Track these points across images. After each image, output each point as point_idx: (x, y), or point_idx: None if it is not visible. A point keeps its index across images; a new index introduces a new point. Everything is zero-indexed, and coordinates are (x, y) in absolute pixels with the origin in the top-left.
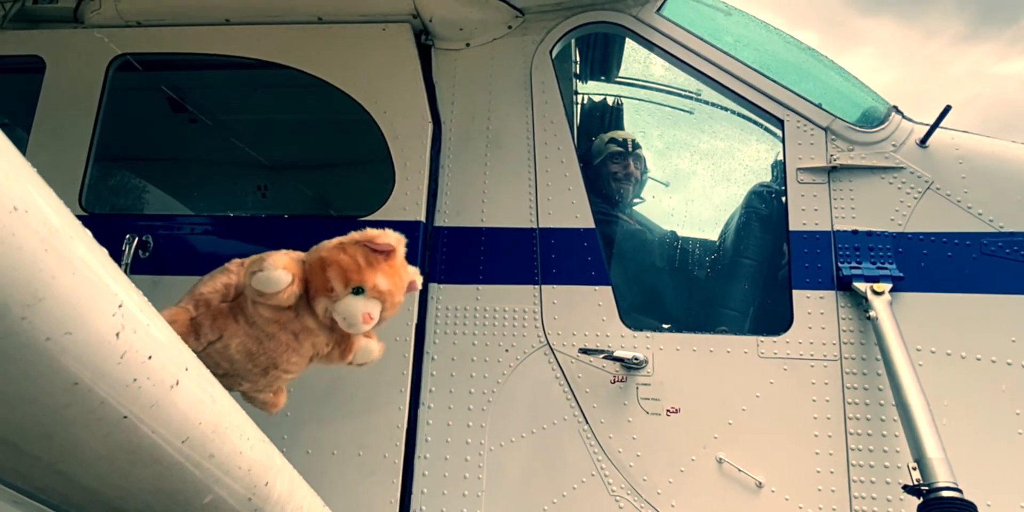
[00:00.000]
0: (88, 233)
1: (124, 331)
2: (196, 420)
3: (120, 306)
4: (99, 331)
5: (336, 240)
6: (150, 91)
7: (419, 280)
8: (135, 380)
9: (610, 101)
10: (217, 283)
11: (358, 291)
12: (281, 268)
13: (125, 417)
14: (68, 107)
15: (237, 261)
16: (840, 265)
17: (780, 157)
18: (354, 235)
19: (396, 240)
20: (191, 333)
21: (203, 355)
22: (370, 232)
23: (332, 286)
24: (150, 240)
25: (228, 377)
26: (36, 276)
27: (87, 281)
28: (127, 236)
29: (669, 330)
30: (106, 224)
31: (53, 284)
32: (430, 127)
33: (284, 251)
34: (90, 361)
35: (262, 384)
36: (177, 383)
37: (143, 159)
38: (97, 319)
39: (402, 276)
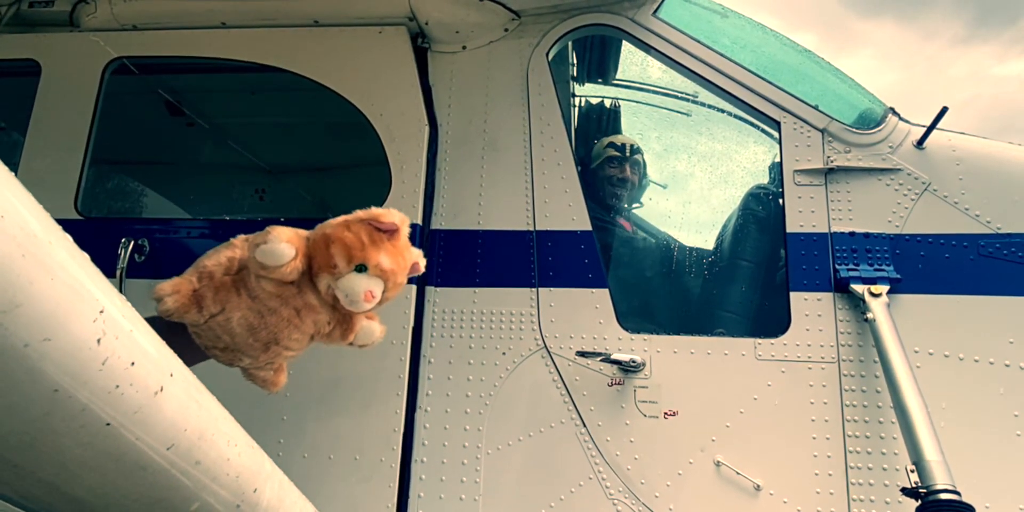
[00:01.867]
0: (69, 238)
1: (105, 337)
2: (182, 426)
3: (101, 312)
4: (79, 337)
5: (341, 218)
6: (146, 95)
7: (422, 262)
8: (117, 386)
9: (607, 103)
10: (221, 256)
11: (361, 269)
12: (285, 241)
13: (108, 424)
14: (64, 111)
15: (242, 236)
16: (837, 267)
17: (777, 159)
18: (359, 213)
19: (400, 219)
20: (194, 305)
21: (205, 327)
22: (375, 210)
23: (335, 263)
24: (146, 244)
25: (229, 351)
26: (13, 282)
27: (67, 286)
28: (123, 240)
29: (666, 333)
30: (102, 228)
31: (31, 290)
32: (427, 130)
33: (289, 227)
34: (70, 367)
35: (263, 360)
36: (162, 389)
37: (140, 163)
38: (77, 325)
39: (405, 256)
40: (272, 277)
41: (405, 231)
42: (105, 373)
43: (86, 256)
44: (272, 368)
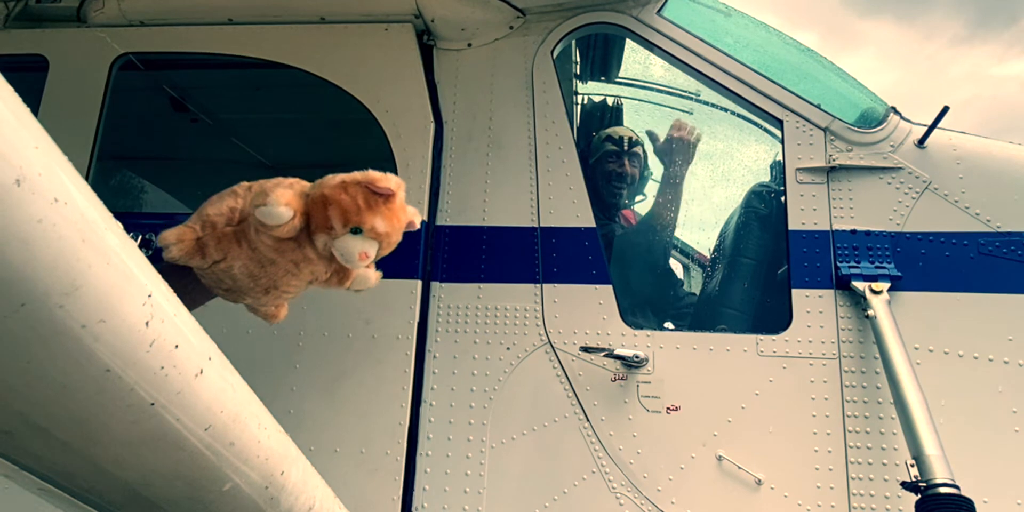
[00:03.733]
0: (120, 225)
1: (153, 320)
2: (218, 409)
3: (149, 296)
4: (130, 320)
5: (339, 177)
6: (153, 90)
7: (418, 220)
8: (162, 368)
9: (610, 101)
10: (223, 206)
11: (356, 231)
12: (283, 205)
13: (152, 404)
14: (71, 106)
15: (245, 184)
16: (839, 264)
17: (779, 157)
18: (356, 175)
19: (396, 184)
20: (197, 252)
21: (208, 272)
22: (372, 174)
23: (332, 224)
24: (153, 238)
25: (232, 292)
26: (74, 265)
27: (120, 271)
28: (129, 235)
29: (669, 329)
30: None
31: (89, 273)
32: (432, 127)
33: (288, 182)
34: (121, 349)
35: (264, 301)
36: (201, 372)
37: (146, 158)
38: (128, 308)
39: (400, 218)
40: (271, 234)
41: (401, 195)
42: (152, 355)
43: (134, 242)
44: (273, 305)
